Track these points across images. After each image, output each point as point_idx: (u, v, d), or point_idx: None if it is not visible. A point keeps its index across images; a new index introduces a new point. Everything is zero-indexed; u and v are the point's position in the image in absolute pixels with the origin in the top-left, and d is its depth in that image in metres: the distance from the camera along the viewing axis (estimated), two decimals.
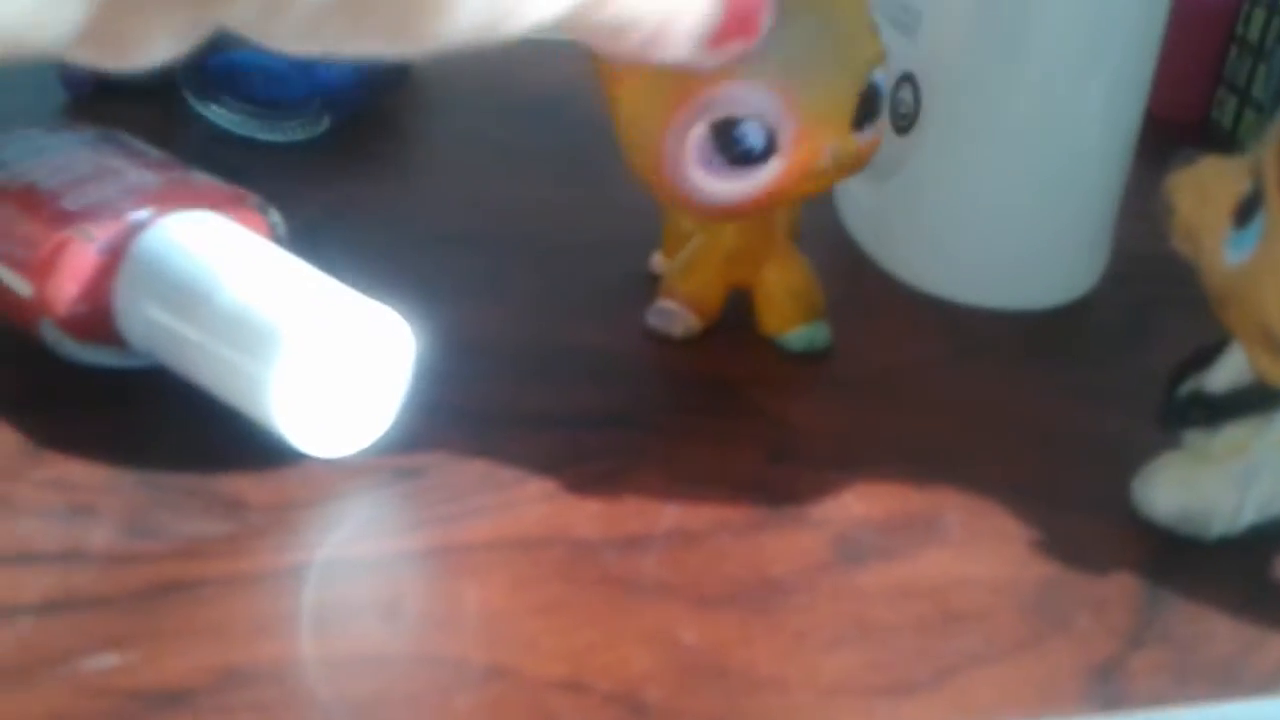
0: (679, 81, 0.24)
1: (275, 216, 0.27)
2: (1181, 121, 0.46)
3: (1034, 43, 0.31)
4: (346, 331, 0.22)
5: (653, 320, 0.30)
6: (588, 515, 0.23)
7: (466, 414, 0.26)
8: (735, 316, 0.31)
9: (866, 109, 0.26)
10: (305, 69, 0.41)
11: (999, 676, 0.20)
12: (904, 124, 0.33)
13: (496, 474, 0.24)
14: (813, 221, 0.37)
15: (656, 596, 0.21)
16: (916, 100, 0.33)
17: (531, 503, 0.23)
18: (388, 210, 0.37)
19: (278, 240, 0.26)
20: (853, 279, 0.35)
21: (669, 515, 0.23)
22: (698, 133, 0.25)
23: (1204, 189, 0.22)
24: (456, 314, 0.30)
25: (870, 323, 0.33)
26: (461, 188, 0.40)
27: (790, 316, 0.30)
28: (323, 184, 0.38)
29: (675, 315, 0.30)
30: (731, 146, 0.24)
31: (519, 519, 0.23)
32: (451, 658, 0.20)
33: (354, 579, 0.21)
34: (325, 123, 0.41)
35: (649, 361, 0.29)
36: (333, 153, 0.41)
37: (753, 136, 0.24)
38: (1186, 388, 0.24)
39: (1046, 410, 0.29)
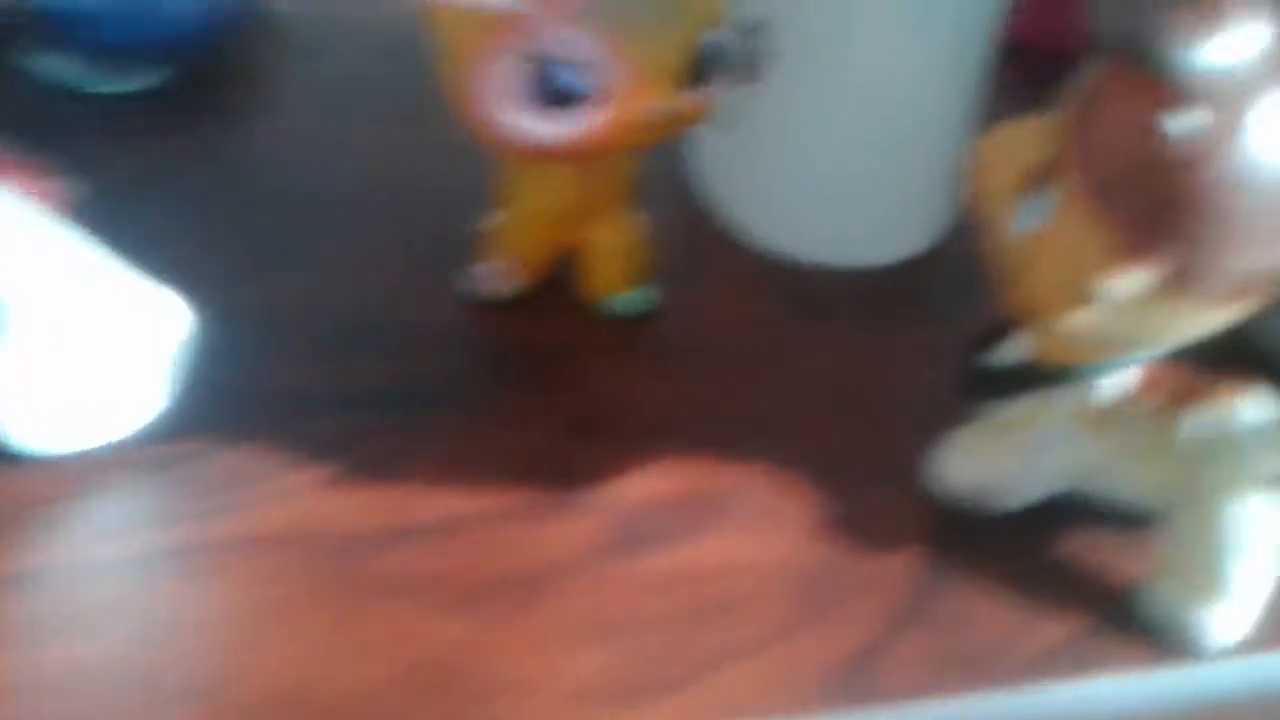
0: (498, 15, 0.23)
1: (71, 183, 0.25)
2: (1063, 51, 0.44)
3: None
4: (86, 316, 0.21)
5: (477, 280, 0.30)
6: (353, 506, 0.22)
7: (248, 396, 0.25)
8: (569, 278, 0.30)
9: (699, 68, 0.25)
10: (143, 14, 0.39)
11: (749, 672, 0.20)
12: (746, 76, 0.32)
13: (265, 463, 0.23)
14: (663, 175, 0.36)
15: (407, 594, 0.21)
16: (759, 52, 0.31)
17: (296, 493, 0.22)
18: (219, 167, 0.35)
19: (68, 208, 0.25)
20: (698, 237, 0.34)
21: (441, 503, 0.23)
22: (514, 64, 0.24)
23: (1003, 153, 0.21)
24: (265, 283, 0.29)
25: (710, 283, 0.32)
26: (306, 141, 0.38)
27: (616, 278, 0.29)
28: (157, 138, 0.37)
29: (500, 274, 0.29)
30: (547, 86, 0.23)
31: (278, 512, 0.22)
32: (153, 675, 0.19)
33: (81, 585, 0.20)
34: (165, 72, 0.39)
35: (463, 330, 0.29)
36: (172, 104, 0.39)
37: (571, 76, 0.23)
38: (986, 358, 0.23)
39: (875, 374, 0.28)
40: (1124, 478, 0.22)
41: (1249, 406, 0.20)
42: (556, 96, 0.24)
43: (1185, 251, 0.17)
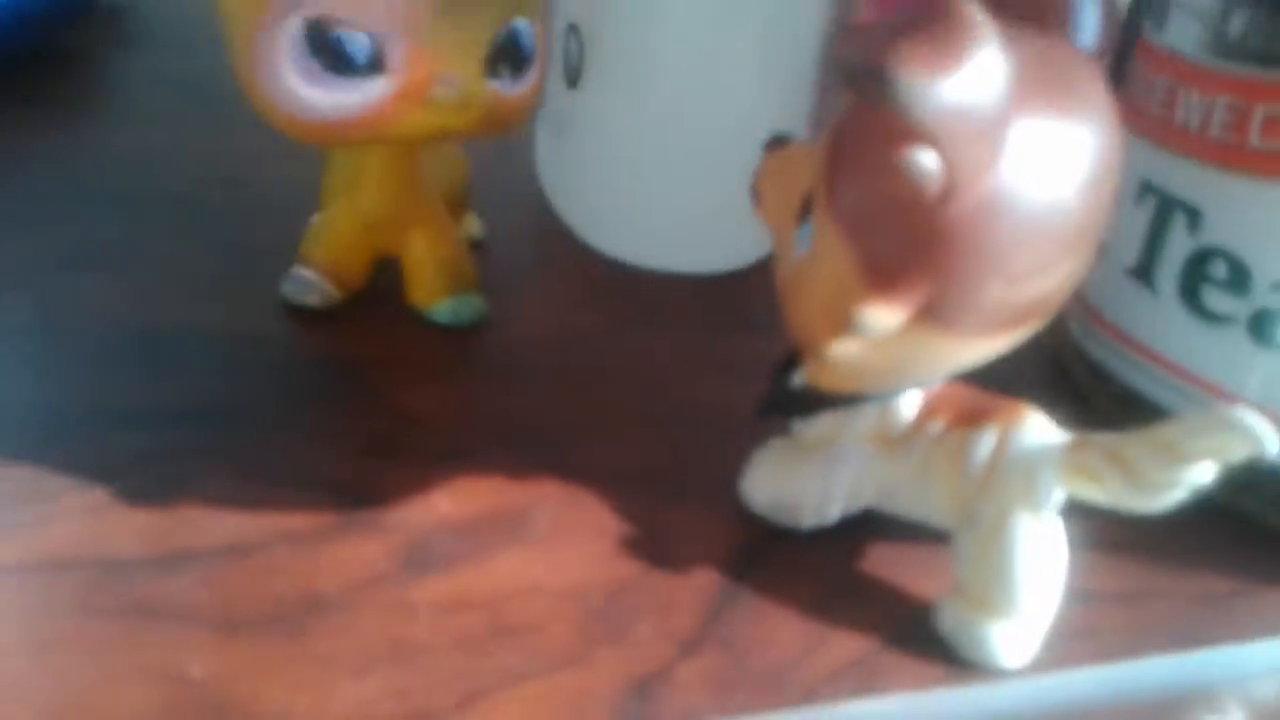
0: None
1: None
2: None
3: None
4: None
5: (288, 289, 0.29)
6: (133, 530, 0.21)
7: (40, 410, 0.24)
8: (391, 287, 0.29)
9: (503, 56, 0.24)
10: None
11: (536, 696, 0.19)
12: (573, 76, 0.32)
13: (43, 483, 0.22)
14: (513, 179, 0.36)
15: (180, 624, 0.20)
16: (580, 51, 0.31)
17: (72, 517, 0.21)
18: (36, 165, 0.34)
19: None
20: (541, 242, 0.34)
21: (225, 527, 0.22)
22: (293, 29, 0.22)
23: (784, 176, 0.21)
24: (65, 292, 0.28)
25: (545, 290, 0.32)
26: (133, 136, 0.37)
27: (436, 288, 0.29)
28: None
29: (311, 284, 0.28)
30: (329, 50, 0.22)
31: (52, 537, 0.21)
32: None
33: None
34: None
35: (274, 341, 0.28)
36: None
37: (354, 44, 0.22)
38: (783, 378, 0.23)
39: (697, 385, 0.28)
40: (918, 497, 0.22)
41: (1029, 430, 0.21)
42: (337, 62, 0.23)
43: (937, 286, 0.17)
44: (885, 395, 0.21)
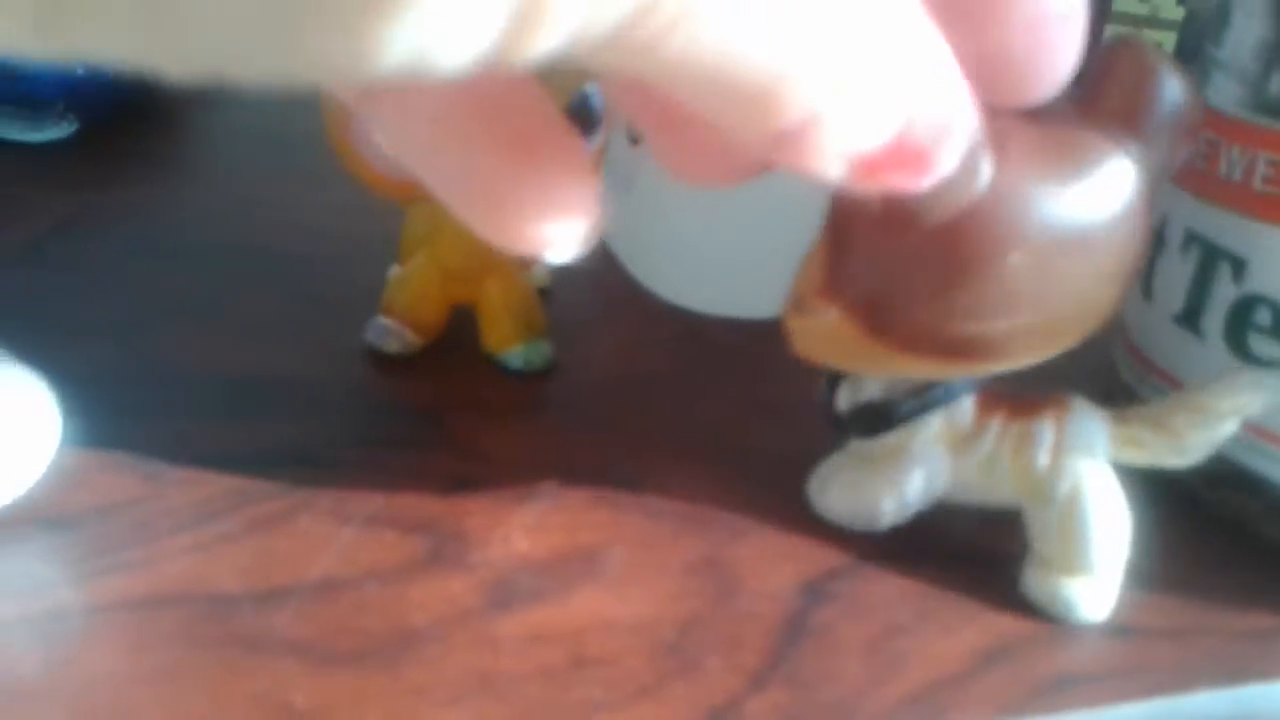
0: None
1: None
2: None
3: None
4: None
5: (370, 337, 0.30)
6: (235, 567, 0.23)
7: (139, 455, 0.25)
8: (467, 334, 0.31)
9: (575, 118, 0.26)
10: (54, 62, 0.39)
11: None
12: (635, 135, 0.33)
13: (152, 523, 0.24)
14: None
15: (280, 656, 0.21)
16: None
17: (179, 555, 0.23)
18: (127, 219, 0.36)
19: None
20: (606, 289, 0.35)
21: (321, 563, 0.23)
22: None
23: None
24: (161, 338, 0.30)
25: (610, 335, 0.33)
26: (217, 191, 0.39)
27: (509, 334, 0.30)
28: (66, 190, 0.37)
29: (392, 332, 0.30)
30: None
31: (160, 574, 0.22)
32: None
33: None
34: (74, 121, 0.39)
35: (357, 386, 0.29)
36: (84, 153, 0.40)
37: None
38: (843, 394, 0.25)
39: (756, 427, 0.29)
40: (988, 486, 0.24)
41: (1079, 414, 0.24)
42: None
43: (866, 295, 0.20)
44: (943, 393, 0.23)
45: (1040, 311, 0.19)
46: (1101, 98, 0.19)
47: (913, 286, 0.19)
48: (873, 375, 0.24)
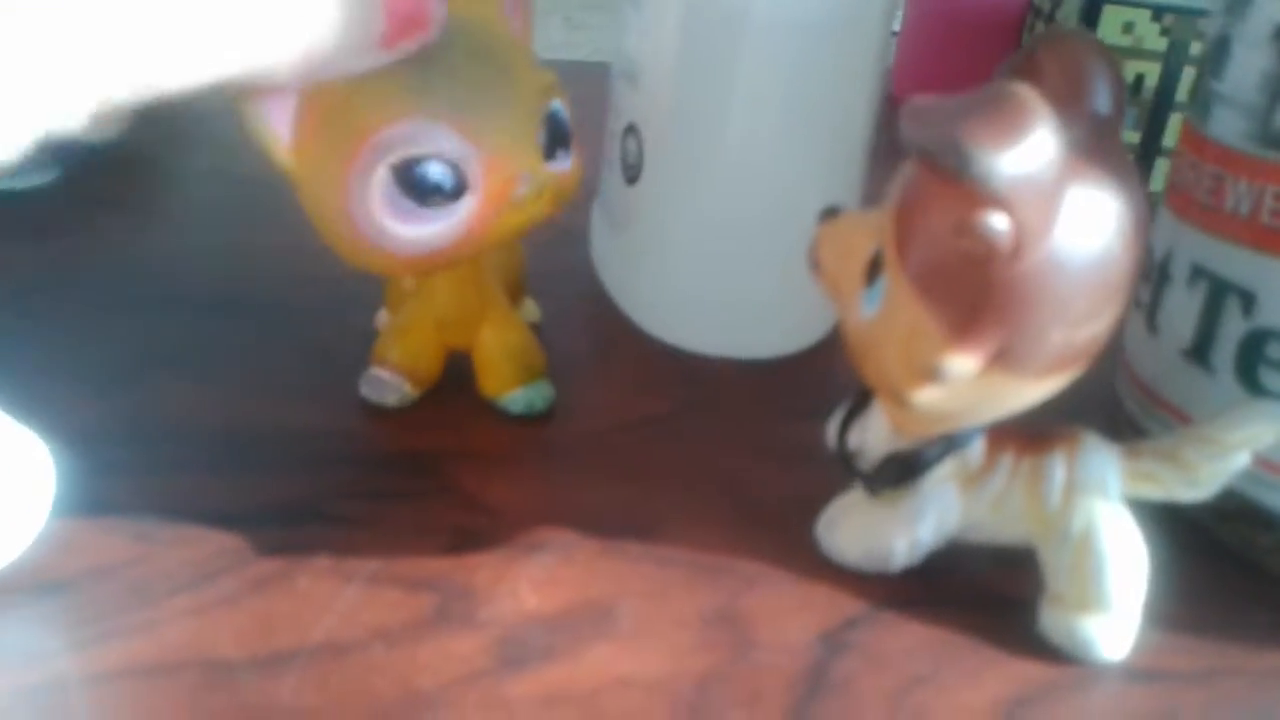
0: (349, 130, 0.23)
1: None
2: None
3: (740, 91, 0.30)
4: None
5: (365, 390, 0.30)
6: (236, 630, 0.22)
7: (130, 515, 0.25)
8: (465, 379, 0.30)
9: (552, 137, 0.25)
10: None
11: None
12: (632, 174, 0.33)
13: (150, 586, 0.23)
14: (565, 266, 0.37)
15: None
16: (640, 150, 0.32)
17: (178, 618, 0.22)
18: (113, 267, 0.35)
19: None
20: (601, 329, 0.35)
21: (325, 624, 0.22)
22: (380, 177, 0.23)
23: (843, 243, 0.22)
24: (150, 391, 0.29)
25: (608, 377, 0.33)
26: (204, 237, 0.38)
27: (508, 378, 0.30)
28: (49, 238, 0.37)
29: (388, 384, 0.29)
30: (417, 186, 0.24)
31: (160, 639, 0.22)
32: None
33: None
34: (56, 168, 0.39)
35: (354, 437, 0.29)
36: (68, 201, 0.39)
37: (437, 173, 0.23)
38: (852, 439, 0.24)
39: (760, 471, 0.29)
40: (1001, 523, 0.24)
41: (1090, 449, 0.23)
42: (427, 194, 0.24)
43: (1008, 334, 0.20)
44: (967, 436, 0.23)
45: (1130, 284, 0.20)
46: (1043, 82, 0.20)
47: (1039, 312, 0.20)
48: (990, 416, 0.23)
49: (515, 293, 0.32)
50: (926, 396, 0.21)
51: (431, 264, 0.25)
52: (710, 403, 0.31)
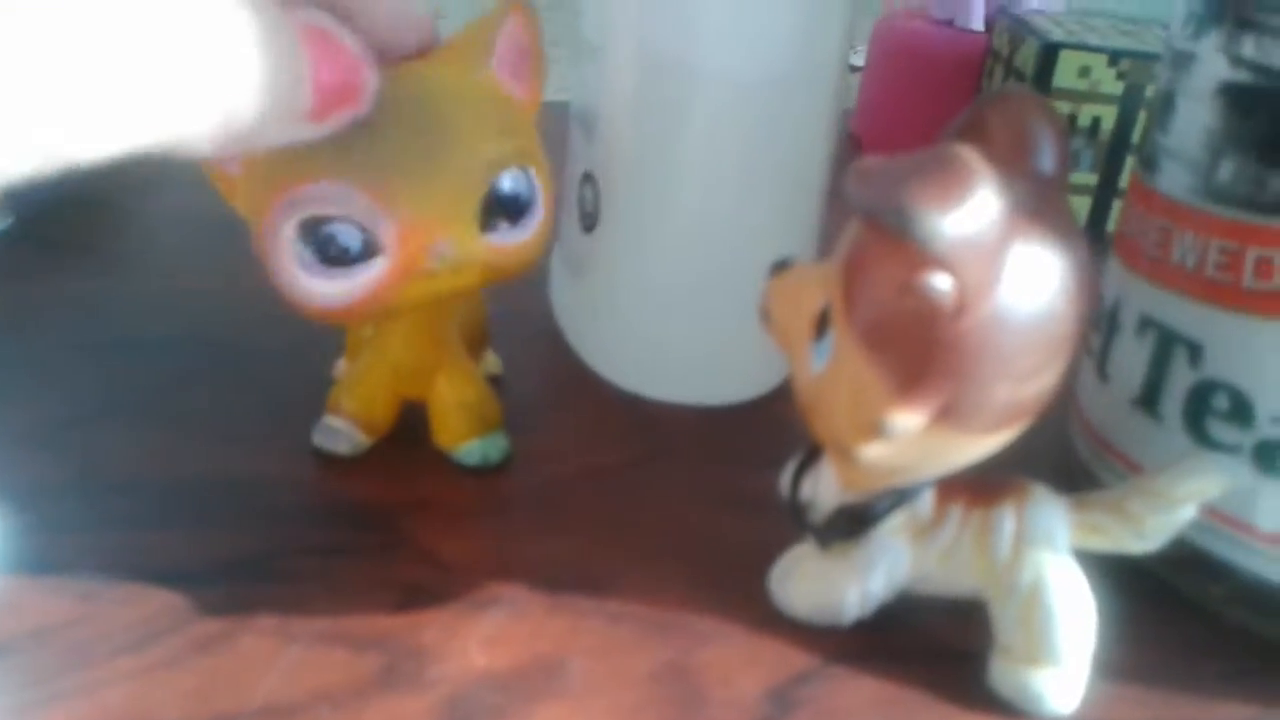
0: (269, 182, 0.23)
1: None
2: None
3: (696, 142, 0.30)
4: None
5: (318, 439, 0.29)
6: (176, 693, 0.22)
7: (74, 573, 0.24)
8: (421, 429, 0.30)
9: (495, 209, 0.24)
10: None
11: None
12: (589, 222, 0.33)
13: (92, 648, 0.23)
14: (529, 314, 0.37)
15: None
16: (597, 198, 0.32)
17: (120, 681, 0.22)
18: (66, 312, 0.35)
19: None
20: (560, 376, 0.35)
21: (268, 686, 0.22)
22: (289, 233, 0.23)
23: (792, 296, 0.22)
24: (100, 441, 0.29)
25: (564, 425, 0.32)
26: (160, 281, 0.38)
27: (462, 430, 0.29)
28: (3, 283, 0.36)
29: (341, 433, 0.29)
30: (322, 246, 0.23)
31: (100, 702, 0.21)
32: None
33: None
34: (9, 213, 0.38)
35: (306, 488, 0.28)
36: (22, 246, 0.39)
37: (344, 236, 0.23)
38: (804, 491, 0.25)
39: (717, 520, 0.29)
40: (950, 576, 0.24)
41: (1039, 501, 0.23)
42: (332, 255, 0.23)
43: (953, 390, 0.20)
44: (916, 488, 0.23)
45: (1075, 340, 0.21)
46: (989, 141, 0.21)
47: (984, 369, 0.20)
48: (937, 471, 0.23)
49: (477, 345, 0.32)
50: (872, 452, 0.21)
51: (344, 318, 0.25)
52: (667, 451, 0.31)
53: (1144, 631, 0.26)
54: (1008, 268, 0.19)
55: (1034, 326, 0.20)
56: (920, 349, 0.20)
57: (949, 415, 0.20)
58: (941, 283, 0.19)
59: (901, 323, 0.20)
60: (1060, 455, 0.31)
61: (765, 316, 0.23)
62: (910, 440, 0.21)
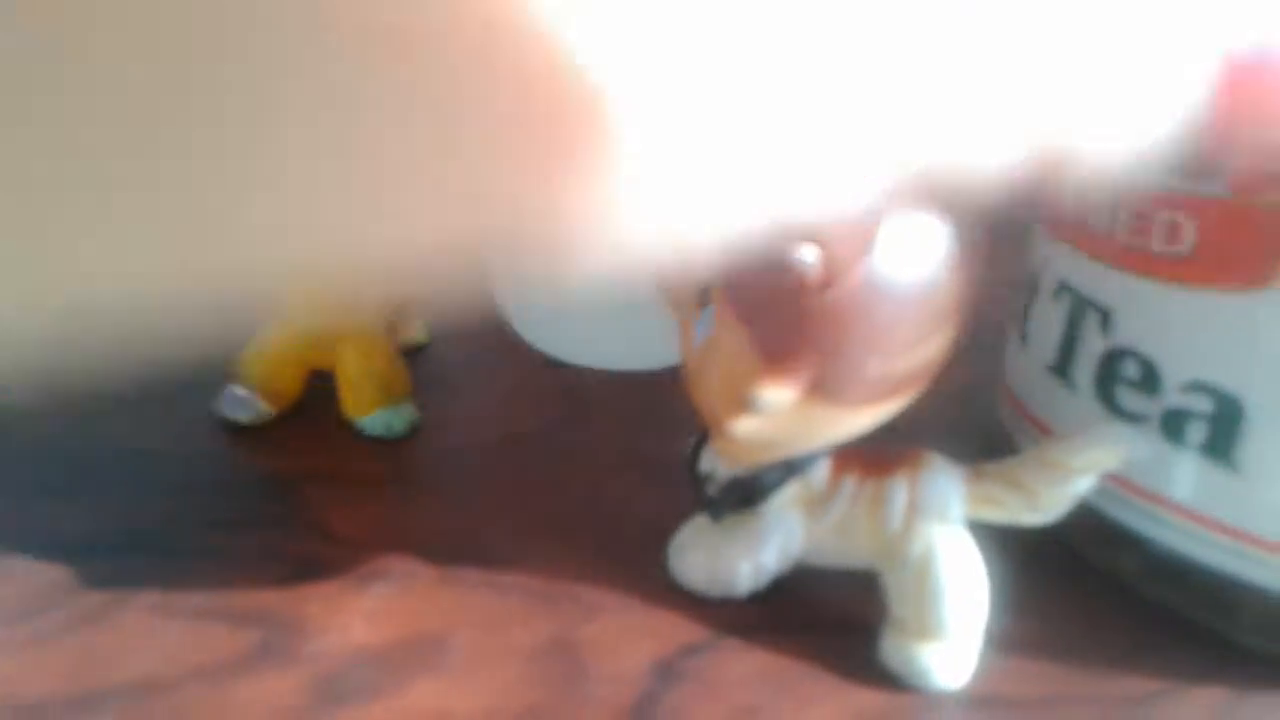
0: None
1: None
2: None
3: None
4: None
5: (223, 408, 0.29)
6: (51, 670, 0.22)
7: None
8: (328, 398, 0.30)
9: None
10: None
11: None
12: None
13: None
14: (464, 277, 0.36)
15: None
16: None
17: None
18: None
19: None
20: (486, 342, 0.34)
21: (143, 662, 0.22)
22: None
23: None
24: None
25: (484, 392, 0.32)
26: None
27: (368, 400, 0.29)
28: None
29: (244, 401, 0.29)
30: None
31: None
32: None
33: None
34: None
35: (204, 460, 0.28)
36: None
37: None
38: (704, 463, 0.24)
39: (626, 488, 0.28)
40: (843, 548, 0.24)
41: (933, 472, 0.23)
42: None
43: (823, 364, 0.19)
44: (808, 460, 0.23)
45: (954, 316, 0.20)
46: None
47: (853, 342, 0.19)
48: (814, 446, 0.23)
49: (400, 313, 0.32)
50: (744, 426, 0.21)
51: None
52: (583, 418, 0.31)
53: (1053, 605, 0.25)
54: (879, 240, 0.19)
55: (908, 300, 0.19)
56: (789, 322, 0.19)
57: (820, 389, 0.20)
58: (807, 254, 0.18)
59: (771, 295, 0.19)
60: (987, 423, 0.30)
61: (662, 287, 0.23)
62: (783, 414, 0.20)
